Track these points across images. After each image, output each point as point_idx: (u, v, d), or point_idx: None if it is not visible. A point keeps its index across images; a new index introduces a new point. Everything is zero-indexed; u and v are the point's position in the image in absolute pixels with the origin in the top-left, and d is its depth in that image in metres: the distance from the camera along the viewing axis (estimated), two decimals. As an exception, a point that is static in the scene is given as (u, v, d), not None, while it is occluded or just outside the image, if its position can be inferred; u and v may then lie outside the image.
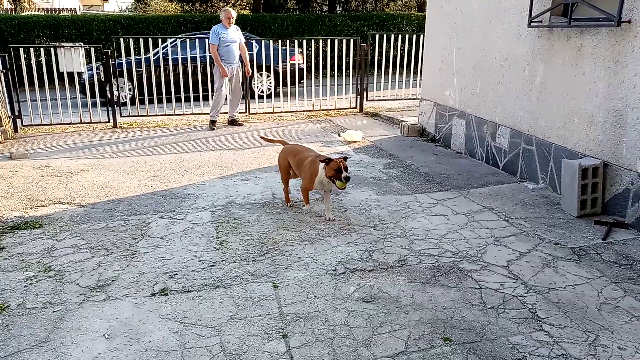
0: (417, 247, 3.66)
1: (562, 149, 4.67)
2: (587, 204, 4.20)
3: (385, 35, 10.02)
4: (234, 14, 7.90)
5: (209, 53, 7.94)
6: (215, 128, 7.93)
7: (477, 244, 3.71)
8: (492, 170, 5.63)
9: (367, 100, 9.62)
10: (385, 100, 9.88)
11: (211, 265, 3.40)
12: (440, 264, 3.42)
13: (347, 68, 9.54)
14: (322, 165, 3.97)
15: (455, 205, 4.52)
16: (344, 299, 2.99)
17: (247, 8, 24.08)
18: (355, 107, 9.57)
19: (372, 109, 9.49)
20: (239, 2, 24.40)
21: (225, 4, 22.73)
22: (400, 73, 9.78)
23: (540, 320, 2.78)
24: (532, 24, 4.89)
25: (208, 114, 8.16)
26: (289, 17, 17.05)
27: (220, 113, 8.09)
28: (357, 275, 3.27)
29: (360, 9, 23.74)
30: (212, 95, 8.07)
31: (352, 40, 9.37)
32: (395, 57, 9.78)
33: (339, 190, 4.24)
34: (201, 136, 7.42)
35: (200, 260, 3.46)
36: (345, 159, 4.00)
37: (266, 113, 9.09)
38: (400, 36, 9.89)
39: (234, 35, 7.89)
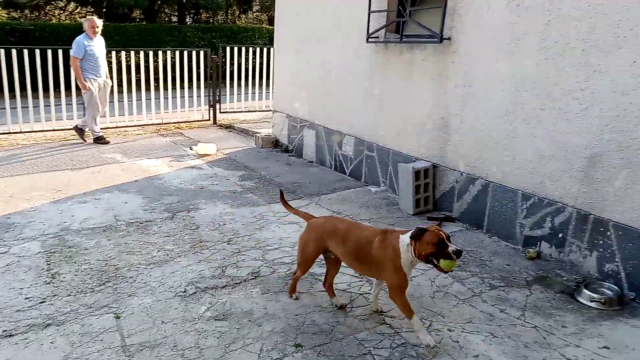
0: (271, 257, 3.68)
1: (399, 154, 5.09)
2: (421, 202, 4.62)
3: (236, 48, 10.01)
4: (99, 23, 7.21)
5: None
6: (106, 141, 7.43)
7: (326, 249, 3.85)
8: (340, 177, 5.92)
9: (220, 112, 9.50)
10: (239, 112, 9.86)
11: (40, 302, 3.02)
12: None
13: (199, 80, 9.33)
14: (405, 241, 2.63)
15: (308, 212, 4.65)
16: (195, 320, 2.88)
17: (87, 16, 22.31)
18: (209, 120, 9.39)
19: (226, 121, 9.40)
20: (78, 10, 22.50)
21: (61, 11, 20.79)
22: (253, 85, 9.85)
23: (383, 314, 2.97)
24: (369, 39, 5.26)
25: (37, 131, 7.36)
26: (135, 27, 16.18)
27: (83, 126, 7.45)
28: (209, 294, 3.17)
29: (211, 21, 23.47)
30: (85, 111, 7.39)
31: (202, 52, 9.21)
32: (247, 69, 9.83)
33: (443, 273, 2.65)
34: (30, 156, 6.63)
35: (27, 298, 3.06)
36: (440, 224, 3.43)
37: (109, 128, 8.45)
38: (251, 49, 9.97)
39: (100, 46, 7.23)
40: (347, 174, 5.96)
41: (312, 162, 6.65)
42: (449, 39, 4.37)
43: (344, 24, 5.76)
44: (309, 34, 6.50)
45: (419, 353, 2.62)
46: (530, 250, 3.78)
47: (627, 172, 3.19)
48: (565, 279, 3.44)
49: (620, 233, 3.25)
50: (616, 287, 3.23)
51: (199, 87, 9.38)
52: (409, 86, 4.92)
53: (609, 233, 3.32)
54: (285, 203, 3.32)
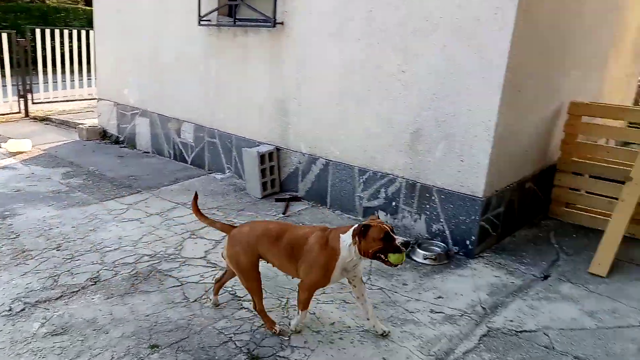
0: (111, 259, 3.38)
1: (242, 139, 5.06)
2: (267, 185, 4.68)
3: (48, 30, 8.83)
4: None
5: None
6: None
7: (174, 242, 3.67)
8: (181, 166, 5.68)
9: (33, 103, 8.37)
10: (57, 102, 8.78)
11: None
12: (138, 270, 3.24)
13: (3, 67, 8.05)
14: (347, 240, 2.46)
15: (148, 206, 4.37)
16: (27, 340, 2.52)
17: None
18: (19, 112, 8.20)
19: (41, 113, 8.31)
20: None
21: None
22: (72, 72, 8.85)
23: (240, 299, 2.95)
24: (201, 22, 5.06)
25: None
26: None
27: None
28: (42, 308, 2.80)
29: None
30: None
31: (6, 35, 7.96)
32: (63, 54, 8.76)
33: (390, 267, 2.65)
34: None
35: None
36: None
37: None
38: (67, 31, 8.89)
39: None
40: (189, 162, 5.73)
41: (148, 152, 6.25)
42: (282, 23, 4.44)
43: (170, 7, 5.46)
44: (133, 17, 6.02)
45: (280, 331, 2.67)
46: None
47: (444, 144, 3.63)
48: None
49: (442, 197, 3.70)
50: (443, 244, 3.69)
51: (3, 75, 8.11)
52: (245, 70, 4.89)
53: (433, 198, 3.75)
54: (198, 213, 2.78)
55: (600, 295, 3.14)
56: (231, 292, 3.01)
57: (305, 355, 2.50)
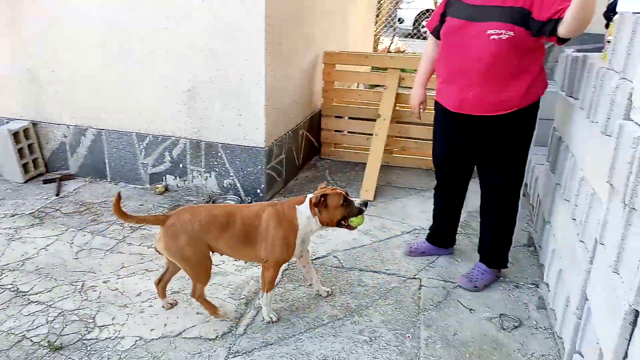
0: None
1: (-17, 117, 4.26)
2: (29, 166, 4.09)
3: None
4: None
5: None
6: None
7: None
8: None
9: None
10: None
11: None
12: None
13: None
14: (305, 212, 2.35)
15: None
16: None
17: None
18: None
19: None
20: None
21: None
22: None
23: (26, 295, 2.62)
24: None
25: None
26: None
27: None
28: None
29: None
30: None
31: None
32: None
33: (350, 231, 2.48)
34: None
35: None
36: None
37: None
38: None
39: None
40: None
41: None
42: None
43: None
44: None
45: (81, 315, 2.48)
46: (158, 186, 3.98)
47: (221, 100, 3.71)
48: (194, 202, 3.82)
49: (228, 152, 3.82)
50: (236, 197, 3.84)
51: None
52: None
53: (220, 154, 3.84)
54: (122, 214, 2.30)
55: (371, 216, 3.72)
56: (12, 290, 2.64)
57: (116, 331, 2.40)
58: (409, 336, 2.44)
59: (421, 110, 2.97)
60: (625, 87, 1.79)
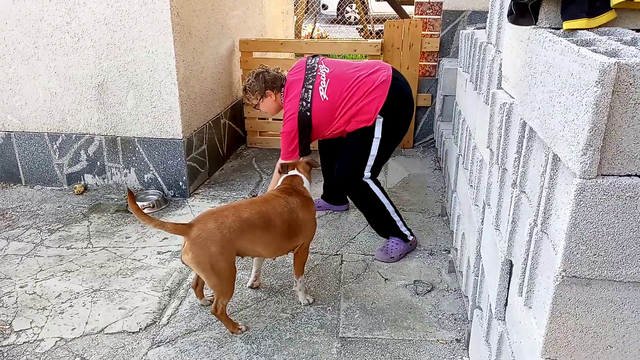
0: None
1: None
2: None
3: None
4: None
5: None
6: None
7: None
8: None
9: None
10: None
11: None
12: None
13: None
14: (307, 183, 2.60)
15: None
16: None
17: None
18: None
19: None
20: None
21: None
22: None
23: None
24: None
25: None
26: None
27: None
28: None
29: None
30: None
31: None
32: None
33: None
34: None
35: None
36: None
37: None
38: None
39: None
40: None
41: None
42: None
43: None
44: None
45: (-5, 323, 2.41)
46: (76, 186, 3.87)
47: (132, 93, 3.64)
48: (116, 199, 3.76)
49: (146, 146, 3.76)
50: (158, 191, 3.80)
51: None
52: None
53: (137, 148, 3.78)
54: (140, 212, 2.09)
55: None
56: None
57: (35, 334, 2.35)
58: (329, 309, 2.56)
59: None
60: (498, 59, 1.96)
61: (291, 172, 2.60)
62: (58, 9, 3.48)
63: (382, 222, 3.03)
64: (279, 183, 2.59)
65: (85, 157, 3.86)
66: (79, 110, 3.73)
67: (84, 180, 3.92)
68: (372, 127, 2.87)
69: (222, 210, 2.27)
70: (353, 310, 2.56)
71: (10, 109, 3.80)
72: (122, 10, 3.42)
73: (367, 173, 2.92)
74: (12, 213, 3.54)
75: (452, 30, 4.46)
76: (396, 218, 2.99)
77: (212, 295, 2.46)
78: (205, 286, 2.54)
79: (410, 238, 3.04)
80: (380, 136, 2.88)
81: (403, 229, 3.01)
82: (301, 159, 2.77)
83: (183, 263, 2.21)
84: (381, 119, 2.85)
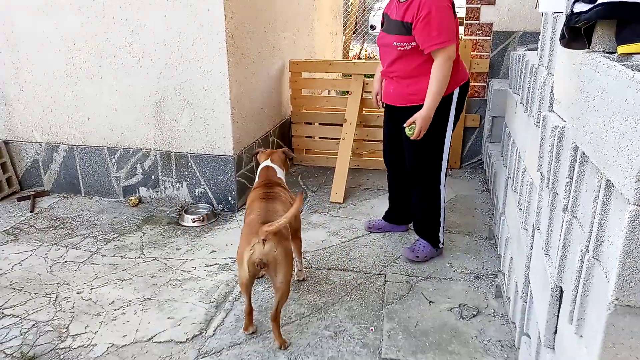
0: None
1: (-46, 138, 4.30)
2: (3, 185, 4.14)
3: None
4: None
5: None
6: None
7: None
8: None
9: None
10: None
11: None
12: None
13: None
14: (279, 171, 2.86)
15: None
16: None
17: None
18: None
19: None
20: None
21: None
22: None
23: (1, 309, 2.68)
24: None
25: None
26: None
27: None
28: None
29: None
30: None
31: None
32: None
33: None
34: None
35: None
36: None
37: None
38: None
39: None
40: None
41: None
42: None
43: None
44: None
45: (55, 326, 2.55)
46: (131, 198, 4.05)
47: (187, 111, 3.80)
48: (168, 212, 3.91)
49: (198, 161, 3.91)
50: (209, 205, 3.93)
51: None
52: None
53: (190, 164, 3.93)
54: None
55: (340, 217, 3.84)
56: (-15, 306, 2.71)
57: (89, 339, 2.47)
58: (372, 329, 2.55)
59: (378, 101, 3.30)
60: (550, 81, 1.94)
61: (264, 164, 2.80)
62: (121, 30, 3.70)
63: (429, 221, 3.14)
64: (257, 177, 2.80)
65: (141, 170, 4.04)
66: (137, 126, 3.93)
67: (138, 192, 4.11)
68: (450, 97, 2.85)
69: (268, 210, 2.41)
70: (396, 331, 2.54)
71: (75, 124, 4.05)
72: (181, 32, 3.60)
73: (444, 164, 3.04)
74: (72, 222, 3.75)
75: (502, 51, 4.42)
76: (442, 223, 3.16)
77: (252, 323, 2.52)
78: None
79: (441, 246, 3.19)
80: (454, 110, 2.89)
81: (441, 235, 3.17)
82: (277, 149, 2.95)
83: (258, 265, 2.21)
84: (457, 90, 2.87)
